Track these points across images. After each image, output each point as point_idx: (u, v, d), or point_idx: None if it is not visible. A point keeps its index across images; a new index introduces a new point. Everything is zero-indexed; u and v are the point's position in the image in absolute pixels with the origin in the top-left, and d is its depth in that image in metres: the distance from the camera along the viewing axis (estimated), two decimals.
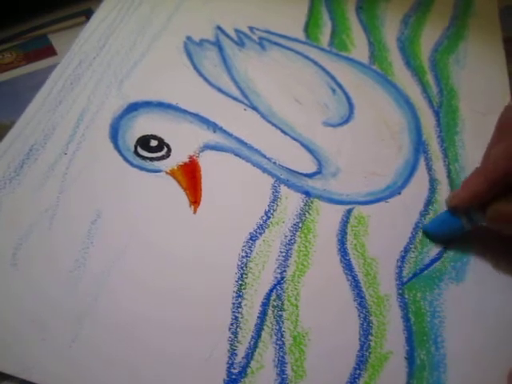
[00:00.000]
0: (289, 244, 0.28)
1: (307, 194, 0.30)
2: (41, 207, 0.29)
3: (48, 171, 0.30)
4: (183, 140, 0.32)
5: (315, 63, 0.37)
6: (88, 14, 0.40)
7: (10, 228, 0.28)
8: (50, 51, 0.38)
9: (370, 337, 0.25)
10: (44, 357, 0.24)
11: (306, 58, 0.37)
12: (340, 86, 0.36)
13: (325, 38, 0.39)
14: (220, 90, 0.35)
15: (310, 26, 0.39)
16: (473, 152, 0.32)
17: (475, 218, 0.28)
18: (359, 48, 0.38)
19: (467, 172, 0.31)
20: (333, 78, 0.36)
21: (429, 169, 0.32)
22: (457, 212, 0.28)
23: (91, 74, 0.35)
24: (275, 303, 0.26)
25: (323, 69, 0.37)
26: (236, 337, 0.25)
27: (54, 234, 0.28)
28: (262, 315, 0.26)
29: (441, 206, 0.30)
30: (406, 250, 0.28)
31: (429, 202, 0.30)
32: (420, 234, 0.29)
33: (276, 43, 0.38)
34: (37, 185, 0.30)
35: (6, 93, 0.36)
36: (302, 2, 0.41)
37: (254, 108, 0.34)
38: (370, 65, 0.37)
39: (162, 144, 0.32)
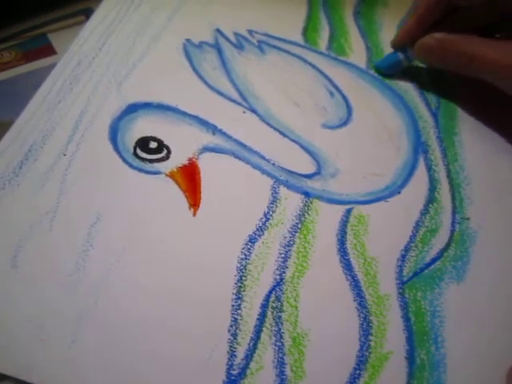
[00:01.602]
0: (288, 245, 0.28)
1: (306, 194, 0.30)
2: (41, 209, 0.29)
3: (47, 172, 0.30)
4: (183, 142, 0.32)
5: (314, 67, 0.37)
6: (88, 13, 0.40)
7: (10, 229, 0.28)
8: (49, 50, 0.39)
9: (369, 337, 0.25)
10: (43, 358, 0.24)
11: (305, 61, 0.37)
12: (338, 90, 0.36)
13: (323, 42, 0.39)
14: (219, 92, 0.35)
15: (309, 31, 0.40)
16: (472, 151, 0.33)
17: (409, 53, 0.35)
18: (357, 52, 0.38)
19: (467, 171, 0.32)
20: (331, 81, 0.36)
21: (428, 169, 0.32)
22: (397, 49, 0.36)
23: (90, 74, 0.35)
24: (274, 305, 0.26)
25: (321, 72, 0.37)
26: (235, 338, 0.25)
27: (54, 236, 0.28)
28: (262, 317, 0.26)
29: (441, 204, 0.30)
30: (407, 249, 0.28)
31: (429, 201, 0.30)
32: (420, 232, 0.29)
33: (275, 47, 0.38)
34: (36, 186, 0.29)
35: (6, 92, 0.36)
36: (300, 6, 0.42)
37: (253, 110, 0.34)
38: (367, 69, 0.37)
39: (161, 146, 0.32)
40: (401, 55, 0.35)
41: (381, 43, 0.39)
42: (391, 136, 0.33)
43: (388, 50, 0.39)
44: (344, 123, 0.34)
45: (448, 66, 0.33)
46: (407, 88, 0.36)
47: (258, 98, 0.35)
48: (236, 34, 0.39)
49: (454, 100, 0.35)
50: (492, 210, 0.30)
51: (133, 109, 0.33)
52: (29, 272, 0.26)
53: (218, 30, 0.39)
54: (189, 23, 0.39)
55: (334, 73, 0.37)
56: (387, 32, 0.40)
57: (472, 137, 0.33)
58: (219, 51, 0.37)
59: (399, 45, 0.35)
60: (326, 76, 0.37)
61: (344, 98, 0.35)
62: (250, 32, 0.39)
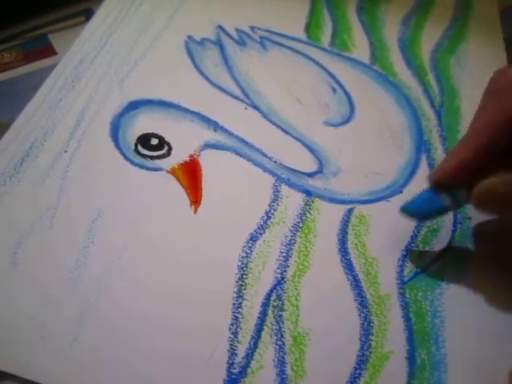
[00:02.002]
0: (289, 244, 0.28)
1: (308, 193, 0.30)
2: (41, 206, 0.29)
3: (48, 169, 0.30)
4: (184, 139, 0.32)
5: (316, 63, 0.37)
6: (88, 14, 0.40)
7: (11, 226, 0.28)
8: (49, 51, 0.38)
9: (370, 336, 0.25)
10: (44, 356, 0.24)
11: (307, 57, 0.37)
12: (341, 86, 0.36)
13: (326, 38, 0.39)
14: (221, 89, 0.35)
15: (311, 27, 0.39)
16: None
17: (460, 196, 0.24)
18: (360, 48, 0.38)
19: None
20: (334, 77, 0.36)
21: (431, 168, 0.32)
22: (440, 190, 0.25)
23: (92, 72, 0.35)
24: (275, 303, 0.26)
25: (324, 69, 0.37)
26: (236, 337, 0.25)
27: (55, 233, 0.28)
28: (262, 315, 0.26)
29: None
30: (408, 249, 0.28)
31: None
32: (422, 232, 0.29)
33: (277, 43, 0.38)
34: (37, 183, 0.29)
35: (6, 93, 0.36)
36: (303, 2, 0.41)
37: (255, 107, 0.34)
38: (371, 65, 0.37)
39: (162, 142, 0.31)
40: (446, 198, 0.25)
41: (384, 39, 0.39)
42: (393, 134, 0.33)
43: (393, 47, 0.38)
44: (347, 120, 0.34)
45: None
46: (411, 84, 0.36)
47: (260, 95, 0.35)
48: (238, 31, 0.38)
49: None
50: None
51: (134, 106, 0.33)
52: (29, 269, 0.26)
53: (220, 27, 0.38)
54: (191, 20, 0.39)
55: (337, 69, 0.37)
56: (390, 28, 0.40)
57: None
58: (221, 48, 0.37)
59: (446, 181, 0.25)
60: (328, 72, 0.36)
61: (347, 94, 0.35)
62: (252, 28, 0.39)
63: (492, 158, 0.23)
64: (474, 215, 0.29)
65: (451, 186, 0.24)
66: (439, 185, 0.25)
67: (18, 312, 0.25)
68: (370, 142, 0.33)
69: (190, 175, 0.30)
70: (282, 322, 0.26)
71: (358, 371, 0.24)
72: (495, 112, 0.23)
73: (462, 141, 0.25)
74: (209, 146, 0.32)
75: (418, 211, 0.26)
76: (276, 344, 0.25)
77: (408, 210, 0.26)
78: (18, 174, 0.30)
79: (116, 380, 0.24)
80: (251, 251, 0.28)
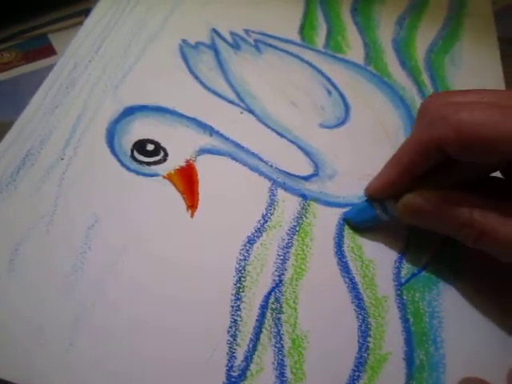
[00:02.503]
0: (286, 247, 0.28)
1: (304, 196, 0.30)
2: (38, 212, 0.29)
3: (44, 176, 0.30)
4: (180, 144, 0.32)
5: (311, 65, 0.37)
6: (87, 14, 0.40)
7: (7, 233, 0.28)
8: (49, 51, 0.38)
9: (368, 338, 0.25)
10: (41, 361, 0.24)
11: (302, 60, 0.37)
12: (336, 88, 0.36)
13: (320, 39, 0.39)
14: (216, 93, 0.35)
15: (306, 28, 0.39)
16: None
17: (389, 209, 0.27)
18: (354, 49, 0.38)
19: None
20: (328, 79, 0.36)
21: None
22: (373, 201, 0.28)
23: (87, 77, 0.35)
24: (274, 306, 0.26)
25: (319, 71, 0.37)
26: (235, 340, 0.25)
27: (51, 239, 0.28)
28: (261, 318, 0.26)
29: None
30: (404, 251, 0.28)
31: None
32: (418, 233, 0.29)
33: (271, 45, 0.38)
34: (33, 190, 0.29)
35: (6, 92, 0.36)
36: (297, 4, 0.41)
37: (250, 111, 0.34)
38: (365, 66, 0.37)
39: (158, 148, 0.32)
40: (378, 208, 0.28)
41: (378, 39, 0.39)
42: (389, 135, 0.33)
43: (387, 48, 0.38)
44: (342, 122, 0.34)
45: (442, 231, 0.26)
46: (406, 85, 0.36)
47: (254, 98, 0.35)
48: (232, 34, 0.38)
49: None
50: None
51: (129, 111, 0.33)
52: (26, 275, 0.26)
53: (215, 30, 0.38)
54: (185, 23, 0.39)
55: (332, 71, 0.37)
56: (385, 29, 0.40)
57: None
58: (216, 52, 0.37)
59: (375, 196, 0.28)
60: (323, 74, 0.37)
61: (342, 96, 0.35)
62: (247, 31, 0.39)
63: (415, 177, 0.26)
64: None
65: (380, 199, 0.28)
66: (371, 197, 0.28)
67: (15, 316, 0.25)
68: (365, 143, 0.33)
69: (187, 180, 0.30)
70: (281, 325, 0.26)
71: (357, 373, 0.24)
72: (418, 136, 0.25)
73: (392, 159, 0.27)
74: (204, 151, 0.32)
75: (354, 218, 0.29)
76: (275, 347, 0.25)
77: (346, 217, 0.29)
78: (14, 181, 0.30)
79: None
80: (249, 254, 0.28)
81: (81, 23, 0.39)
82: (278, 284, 0.27)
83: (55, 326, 0.25)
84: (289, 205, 0.30)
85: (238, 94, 0.35)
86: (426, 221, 0.26)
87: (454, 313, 0.26)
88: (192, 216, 0.29)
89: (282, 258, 0.28)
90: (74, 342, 0.25)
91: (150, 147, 0.32)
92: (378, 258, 0.28)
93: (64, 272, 0.27)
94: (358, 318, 0.26)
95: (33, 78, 0.36)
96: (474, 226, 0.24)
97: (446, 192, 0.25)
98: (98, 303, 0.26)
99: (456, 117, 0.23)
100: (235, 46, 0.38)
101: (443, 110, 0.23)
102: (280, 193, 0.30)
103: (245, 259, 0.28)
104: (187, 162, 0.31)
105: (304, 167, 0.31)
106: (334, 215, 0.29)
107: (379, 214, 0.28)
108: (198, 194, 0.30)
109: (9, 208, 0.29)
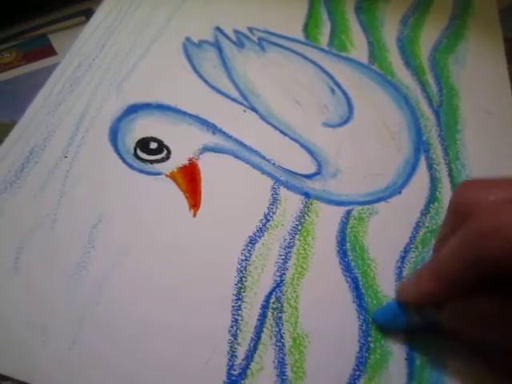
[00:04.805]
0: (288, 247, 0.28)
1: (306, 195, 0.30)
2: (42, 211, 0.29)
3: (49, 174, 0.30)
4: (183, 142, 0.32)
5: (315, 64, 0.37)
6: (88, 14, 0.40)
7: (12, 232, 0.28)
8: (49, 51, 0.39)
9: (369, 338, 0.25)
10: (44, 359, 0.24)
11: (306, 58, 0.37)
12: (339, 87, 0.36)
13: (324, 38, 0.39)
14: (219, 91, 0.35)
15: (310, 27, 0.39)
16: (474, 150, 0.32)
17: (428, 314, 0.24)
18: (359, 48, 0.38)
19: (468, 170, 0.31)
20: (332, 78, 0.36)
21: (429, 168, 0.32)
22: (408, 308, 0.24)
23: (91, 76, 0.35)
24: (275, 306, 0.26)
25: (323, 69, 0.37)
26: (236, 339, 0.25)
27: (56, 238, 0.28)
28: (262, 317, 0.26)
29: (442, 204, 0.30)
30: (406, 250, 0.28)
31: (430, 201, 0.30)
32: (421, 233, 0.29)
33: (275, 44, 0.38)
34: (38, 188, 0.30)
35: (6, 92, 0.36)
36: (301, 2, 0.41)
37: (254, 109, 0.34)
38: (369, 65, 0.37)
39: (161, 146, 0.32)
40: (414, 315, 0.24)
41: (383, 38, 0.39)
42: (392, 134, 0.33)
43: (391, 47, 0.38)
44: (345, 121, 0.34)
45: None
46: (410, 84, 0.36)
47: (258, 97, 0.35)
48: (236, 32, 0.38)
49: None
50: None
51: (133, 110, 0.33)
52: (30, 273, 0.27)
53: (218, 28, 0.38)
54: (189, 21, 0.39)
55: (336, 69, 0.37)
56: (389, 27, 0.40)
57: (474, 134, 0.33)
58: (219, 50, 0.37)
59: (414, 304, 0.24)
60: (327, 73, 0.36)
61: (345, 95, 0.35)
62: (251, 29, 0.39)
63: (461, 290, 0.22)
64: None
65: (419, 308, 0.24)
66: (406, 304, 0.24)
67: (19, 315, 0.25)
68: (368, 142, 0.33)
69: (189, 179, 0.30)
70: (282, 324, 0.26)
71: (358, 372, 0.24)
72: (466, 252, 0.21)
73: (430, 267, 0.23)
74: (207, 149, 0.32)
75: (384, 321, 0.26)
76: (276, 346, 0.25)
77: (374, 319, 0.26)
78: (18, 180, 0.30)
79: (115, 382, 0.24)
80: (250, 254, 0.28)
81: (81, 24, 0.39)
82: (279, 284, 0.27)
83: (59, 324, 0.25)
84: (291, 203, 0.30)
85: (241, 92, 0.35)
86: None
87: None
88: (194, 215, 0.29)
89: (283, 257, 0.28)
90: (77, 340, 0.25)
91: (153, 145, 0.32)
92: (380, 258, 0.28)
93: (68, 271, 0.27)
94: (359, 317, 0.26)
95: (33, 78, 0.37)
96: None
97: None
98: (102, 302, 0.26)
99: None
100: (239, 44, 0.38)
101: (493, 217, 0.20)
102: (282, 191, 0.30)
103: (246, 259, 0.28)
104: (190, 160, 0.31)
105: (307, 165, 0.31)
106: (337, 213, 0.29)
107: (413, 318, 0.24)
108: (200, 193, 0.30)
109: (13, 207, 0.29)
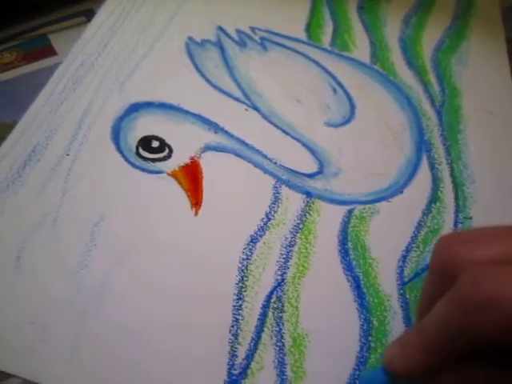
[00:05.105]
0: (289, 246, 0.28)
1: (308, 194, 0.30)
2: (44, 209, 0.29)
3: (51, 172, 0.30)
4: (184, 141, 0.32)
5: (317, 63, 0.37)
6: (88, 15, 0.40)
7: (14, 230, 0.28)
8: (49, 51, 0.39)
9: (370, 338, 0.25)
10: (47, 358, 0.24)
11: (308, 58, 0.37)
12: (341, 86, 0.36)
13: (326, 38, 0.39)
14: (221, 90, 0.35)
15: (312, 26, 0.39)
16: (476, 150, 0.32)
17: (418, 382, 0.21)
18: (361, 48, 0.38)
19: (470, 170, 0.31)
20: (334, 78, 0.36)
21: (431, 167, 0.32)
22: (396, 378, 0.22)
23: (93, 75, 0.35)
24: (275, 305, 0.26)
25: (325, 69, 0.37)
26: (236, 338, 0.25)
27: (58, 236, 0.28)
28: (263, 317, 0.26)
29: (443, 204, 0.30)
30: (408, 250, 0.28)
31: (432, 200, 0.30)
32: (422, 233, 0.29)
33: (277, 43, 0.38)
34: (40, 186, 0.30)
35: (6, 92, 0.36)
36: (303, 2, 0.41)
37: (256, 108, 0.34)
38: (371, 65, 0.37)
39: (163, 145, 0.32)
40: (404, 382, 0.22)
41: (385, 38, 0.39)
42: (394, 134, 0.33)
43: (394, 46, 0.38)
44: (347, 121, 0.34)
45: None
46: (412, 84, 0.36)
47: (260, 96, 0.35)
48: (238, 31, 0.38)
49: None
50: (496, 209, 0.30)
51: (135, 108, 0.33)
52: (32, 272, 0.27)
53: (221, 28, 0.39)
54: (191, 21, 0.39)
55: (338, 69, 0.37)
56: (391, 27, 0.40)
57: (476, 134, 0.33)
58: (221, 49, 0.37)
59: (402, 375, 0.21)
60: (329, 73, 0.36)
61: (347, 94, 0.35)
62: (253, 29, 0.39)
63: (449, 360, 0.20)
64: (475, 215, 0.29)
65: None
66: (395, 374, 0.22)
67: (21, 314, 0.25)
68: (370, 142, 0.33)
69: (191, 178, 0.30)
70: (282, 324, 0.26)
71: (358, 372, 0.24)
72: (454, 324, 0.19)
73: (418, 337, 0.21)
74: (209, 148, 0.32)
75: None
76: (276, 345, 0.25)
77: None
78: (20, 177, 0.30)
79: (118, 381, 0.24)
80: (251, 253, 0.28)
81: (81, 24, 0.39)
82: (280, 283, 0.27)
83: (61, 322, 0.25)
84: (293, 202, 0.30)
85: (243, 92, 0.35)
86: None
87: None
88: (196, 214, 0.29)
89: (284, 256, 0.28)
90: (79, 338, 0.25)
91: (155, 144, 0.32)
92: (382, 257, 0.28)
93: (70, 269, 0.27)
94: (360, 317, 0.26)
95: (33, 78, 0.37)
96: None
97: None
98: (104, 301, 0.26)
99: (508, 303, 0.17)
100: (241, 44, 0.38)
101: (479, 284, 0.18)
102: (284, 190, 0.30)
103: (247, 258, 0.28)
104: (192, 158, 0.31)
105: (309, 165, 0.31)
106: (339, 212, 0.29)
107: None
108: (202, 191, 0.30)
109: (15, 205, 0.29)
